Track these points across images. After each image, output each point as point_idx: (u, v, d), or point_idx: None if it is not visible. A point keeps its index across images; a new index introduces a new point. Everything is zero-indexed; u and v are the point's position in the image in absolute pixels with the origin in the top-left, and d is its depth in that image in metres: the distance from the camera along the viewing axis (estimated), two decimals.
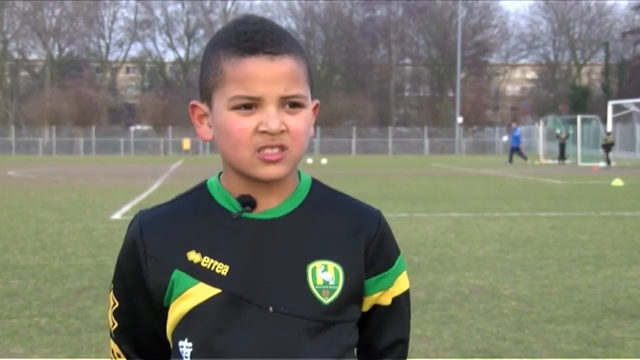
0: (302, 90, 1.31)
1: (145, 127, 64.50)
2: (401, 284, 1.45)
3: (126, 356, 1.47)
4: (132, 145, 59.56)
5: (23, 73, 71.54)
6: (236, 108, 1.29)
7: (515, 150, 38.12)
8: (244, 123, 1.28)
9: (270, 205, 1.37)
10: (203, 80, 1.35)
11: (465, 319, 5.62)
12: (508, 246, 9.16)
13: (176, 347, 1.36)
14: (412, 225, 11.04)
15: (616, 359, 4.71)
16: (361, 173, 28.11)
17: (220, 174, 1.42)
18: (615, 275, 7.35)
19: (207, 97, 1.35)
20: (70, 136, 60.49)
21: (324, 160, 40.15)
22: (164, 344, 1.42)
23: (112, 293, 1.46)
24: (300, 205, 1.39)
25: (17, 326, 5.39)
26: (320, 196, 1.42)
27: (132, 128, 63.21)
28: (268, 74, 1.28)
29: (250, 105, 1.28)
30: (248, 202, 1.35)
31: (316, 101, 1.38)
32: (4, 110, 64.96)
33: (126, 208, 13.60)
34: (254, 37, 1.29)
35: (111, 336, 1.48)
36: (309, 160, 40.84)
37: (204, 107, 1.37)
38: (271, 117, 1.28)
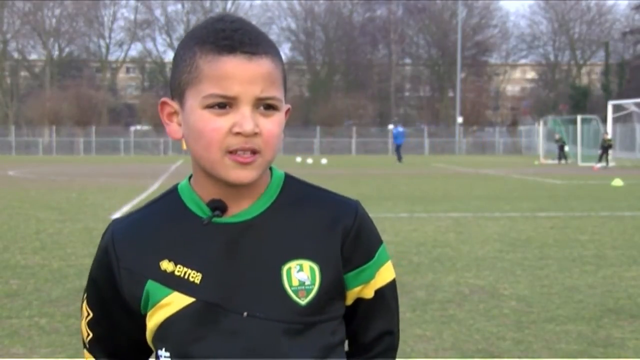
0: (278, 92, 1.28)
1: (145, 127, 64.51)
2: (384, 275, 1.41)
3: None
4: (132, 145, 59.59)
5: (23, 73, 71.51)
6: (210, 107, 1.25)
7: (397, 148, 38.86)
8: (218, 123, 1.25)
9: (241, 208, 1.33)
10: (176, 77, 1.31)
11: (465, 319, 5.62)
12: (508, 246, 9.16)
13: (157, 356, 1.35)
14: (412, 225, 11.04)
15: (616, 359, 4.71)
16: (361, 173, 28.10)
17: (190, 176, 1.39)
18: (615, 275, 7.35)
19: (179, 94, 1.31)
20: (70, 136, 60.50)
21: (324, 160, 40.14)
22: (142, 350, 1.40)
23: (85, 303, 1.44)
24: (273, 203, 1.35)
25: (17, 326, 5.39)
26: (294, 192, 1.38)
27: (132, 128, 63.23)
28: (245, 74, 1.24)
29: (224, 104, 1.25)
30: (218, 207, 1.32)
31: (288, 105, 1.35)
32: (4, 110, 64.95)
33: (126, 208, 13.60)
34: (232, 36, 1.25)
35: (85, 347, 1.46)
36: (309, 160, 40.85)
37: (174, 104, 1.33)
38: (246, 118, 1.24)
